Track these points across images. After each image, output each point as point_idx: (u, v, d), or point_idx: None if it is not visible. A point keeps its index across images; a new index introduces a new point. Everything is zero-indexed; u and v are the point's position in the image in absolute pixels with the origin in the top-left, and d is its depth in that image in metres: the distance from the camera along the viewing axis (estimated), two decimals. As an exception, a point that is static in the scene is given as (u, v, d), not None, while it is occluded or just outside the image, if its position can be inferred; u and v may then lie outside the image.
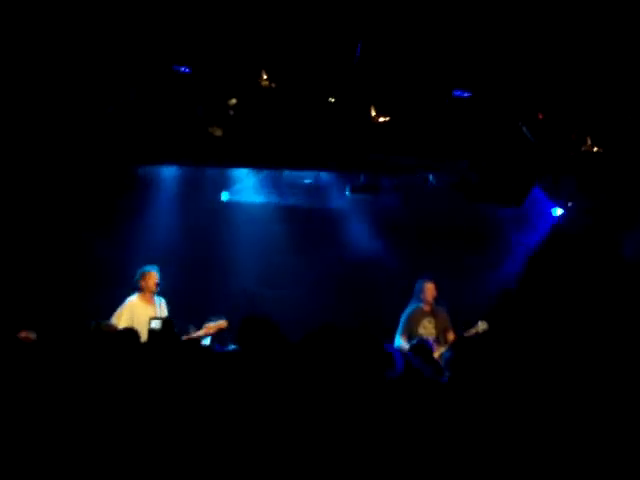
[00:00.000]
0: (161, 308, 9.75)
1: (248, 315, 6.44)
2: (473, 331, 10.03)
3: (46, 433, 5.58)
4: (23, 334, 8.14)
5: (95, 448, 5.53)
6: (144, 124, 10.71)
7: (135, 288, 9.85)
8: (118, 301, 9.82)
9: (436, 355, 8.61)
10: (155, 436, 5.59)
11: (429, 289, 10.28)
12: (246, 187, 12.12)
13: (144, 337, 7.77)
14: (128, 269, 10.45)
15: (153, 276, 9.77)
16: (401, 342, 10.03)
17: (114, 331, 7.60)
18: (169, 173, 11.80)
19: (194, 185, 11.98)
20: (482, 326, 10.03)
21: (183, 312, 9.85)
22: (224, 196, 12.12)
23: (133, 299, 9.77)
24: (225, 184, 12.16)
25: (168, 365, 6.64)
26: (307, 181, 12.35)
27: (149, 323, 8.75)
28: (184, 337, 9.03)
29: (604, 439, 6.02)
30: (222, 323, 9.24)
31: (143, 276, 9.80)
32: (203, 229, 12.08)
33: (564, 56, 10.03)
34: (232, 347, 8.66)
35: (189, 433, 5.59)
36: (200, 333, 9.19)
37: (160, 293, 9.87)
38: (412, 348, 7.77)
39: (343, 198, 12.12)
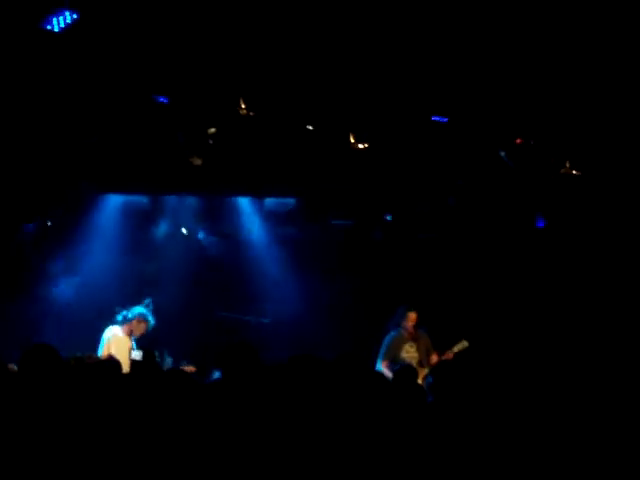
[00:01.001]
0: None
1: (231, 342, 6.40)
2: (454, 350, 10.10)
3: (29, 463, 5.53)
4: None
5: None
6: (122, 153, 10.75)
7: (117, 321, 9.78)
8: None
9: (420, 379, 8.59)
10: (139, 465, 5.56)
11: (411, 318, 10.31)
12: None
13: (127, 368, 7.74)
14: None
15: (146, 326, 9.73)
16: (382, 367, 10.02)
17: (95, 362, 7.55)
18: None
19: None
20: (462, 344, 10.10)
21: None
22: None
23: (116, 331, 9.70)
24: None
25: (151, 395, 6.60)
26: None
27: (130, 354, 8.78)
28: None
29: (586, 457, 6.05)
30: (190, 368, 9.20)
31: (138, 319, 9.75)
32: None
33: (541, 82, 10.09)
34: (216, 375, 8.64)
35: (175, 462, 5.55)
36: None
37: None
38: (396, 373, 7.74)
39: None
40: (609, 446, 6.12)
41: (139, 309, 9.75)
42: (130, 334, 9.66)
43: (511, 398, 6.77)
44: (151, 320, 9.76)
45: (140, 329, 9.70)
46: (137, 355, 8.63)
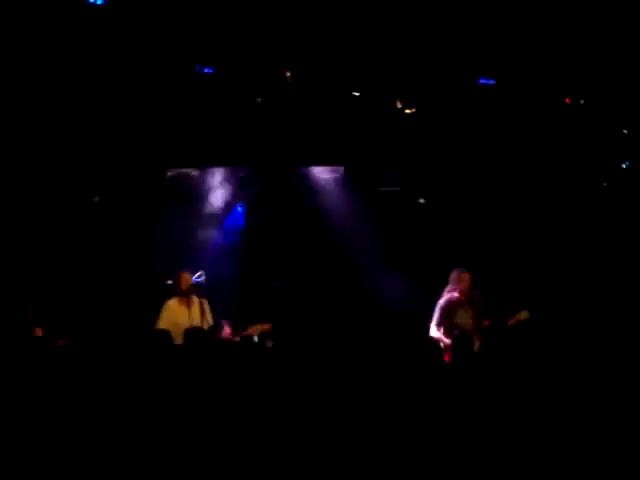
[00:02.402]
0: (203, 308, 9.71)
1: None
2: (514, 320, 9.86)
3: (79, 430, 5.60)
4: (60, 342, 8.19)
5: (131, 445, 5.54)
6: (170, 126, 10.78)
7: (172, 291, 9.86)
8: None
9: (476, 346, 8.48)
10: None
11: (464, 279, 10.13)
12: None
13: (180, 338, 7.78)
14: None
15: (184, 278, 9.77)
16: (437, 333, 9.91)
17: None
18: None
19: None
20: (523, 315, 9.86)
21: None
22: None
23: (170, 302, 9.77)
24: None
25: (207, 365, 6.63)
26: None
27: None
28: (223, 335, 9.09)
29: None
30: (266, 326, 9.31)
31: (176, 279, 9.82)
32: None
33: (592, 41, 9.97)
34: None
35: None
36: (244, 334, 9.22)
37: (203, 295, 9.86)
38: (454, 341, 7.71)
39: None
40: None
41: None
42: (184, 299, 9.71)
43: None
44: (183, 271, 9.79)
45: (182, 285, 9.72)
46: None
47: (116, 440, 5.54)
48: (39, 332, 8.96)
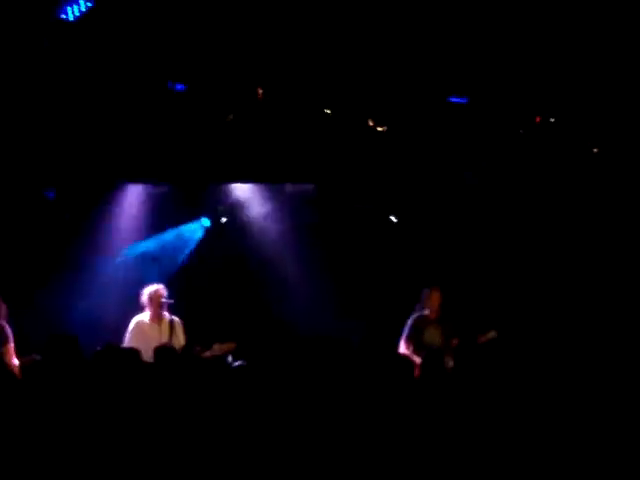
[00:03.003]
0: (173, 326, 9.53)
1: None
2: (484, 338, 9.90)
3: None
4: (28, 358, 8.10)
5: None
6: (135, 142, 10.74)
7: (143, 307, 9.65)
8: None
9: (446, 364, 8.50)
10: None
11: (435, 297, 10.17)
12: None
13: (150, 356, 7.68)
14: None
15: (157, 294, 9.57)
16: (406, 350, 9.93)
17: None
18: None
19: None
20: (492, 334, 9.91)
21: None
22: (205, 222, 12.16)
23: (140, 318, 9.58)
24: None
25: (174, 383, 6.59)
26: None
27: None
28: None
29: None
30: (231, 345, 9.12)
31: (147, 294, 9.60)
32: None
33: (560, 59, 10.05)
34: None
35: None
36: (208, 354, 9.06)
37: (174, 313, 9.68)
38: (425, 358, 7.72)
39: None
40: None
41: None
42: (156, 315, 9.53)
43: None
44: (157, 286, 9.61)
45: (155, 301, 9.57)
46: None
47: (84, 461, 5.50)
48: (10, 349, 8.84)
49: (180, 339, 9.45)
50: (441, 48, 10.07)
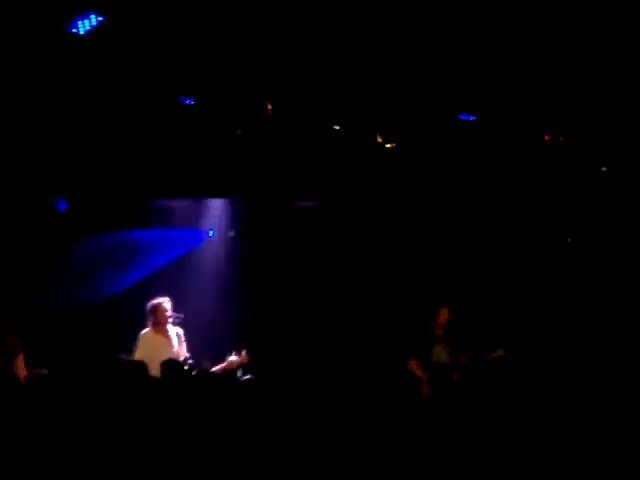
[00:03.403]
0: (178, 339, 9.54)
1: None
2: (490, 356, 9.86)
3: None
4: (35, 372, 8.07)
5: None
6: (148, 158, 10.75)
7: (147, 322, 9.63)
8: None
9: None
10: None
11: (443, 315, 10.14)
12: None
13: (158, 370, 7.65)
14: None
15: (162, 308, 9.56)
16: (412, 367, 9.88)
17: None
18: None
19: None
20: (499, 352, 9.87)
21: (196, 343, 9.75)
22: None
23: (147, 332, 9.56)
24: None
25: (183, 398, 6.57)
26: None
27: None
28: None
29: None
30: (244, 358, 9.13)
31: (153, 308, 9.59)
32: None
33: (570, 76, 10.04)
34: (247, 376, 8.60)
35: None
36: (219, 368, 9.05)
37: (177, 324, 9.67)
38: (433, 374, 7.71)
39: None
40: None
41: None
42: (162, 329, 9.52)
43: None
44: (162, 300, 9.57)
45: (161, 316, 9.58)
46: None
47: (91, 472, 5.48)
48: (21, 362, 8.80)
49: (184, 351, 9.45)
50: (450, 66, 10.07)
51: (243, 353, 9.20)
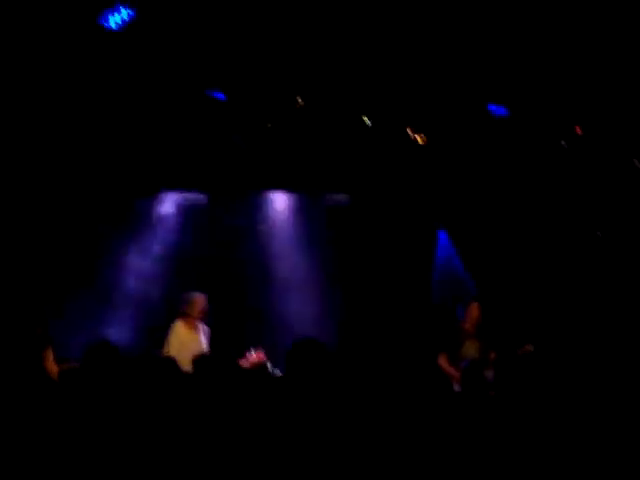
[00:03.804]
0: (206, 334, 9.59)
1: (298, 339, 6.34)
2: (521, 352, 9.81)
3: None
4: (66, 366, 8.12)
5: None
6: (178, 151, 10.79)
7: (179, 313, 9.66)
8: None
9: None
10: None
11: (473, 311, 10.10)
12: None
13: (189, 364, 7.67)
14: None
15: (199, 301, 9.59)
16: (444, 363, 9.86)
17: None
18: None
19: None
20: (529, 347, 9.83)
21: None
22: None
23: (179, 325, 9.60)
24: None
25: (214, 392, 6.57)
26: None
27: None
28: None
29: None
30: (261, 356, 9.12)
31: (189, 302, 9.61)
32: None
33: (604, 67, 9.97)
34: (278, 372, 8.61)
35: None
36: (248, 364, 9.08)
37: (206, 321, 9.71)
38: (464, 371, 7.66)
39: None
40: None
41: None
42: (193, 323, 9.54)
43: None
44: (199, 295, 9.60)
45: (196, 310, 9.58)
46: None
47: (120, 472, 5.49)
48: (50, 355, 8.86)
49: (209, 347, 9.50)
50: (480, 57, 10.02)
51: (260, 353, 9.20)
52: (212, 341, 9.67)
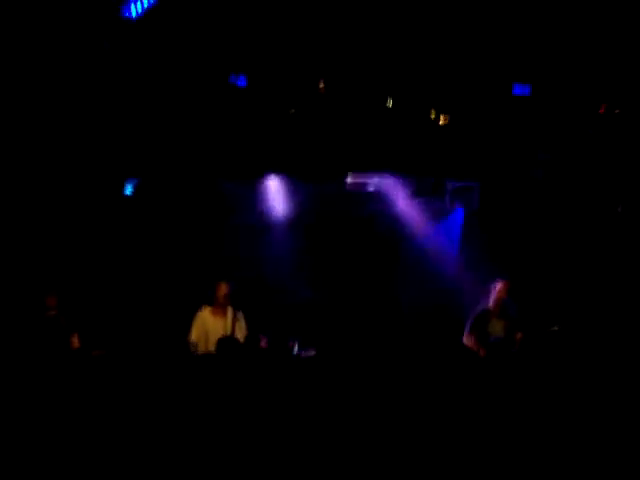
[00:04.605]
0: (237, 320, 9.71)
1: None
2: (546, 332, 9.80)
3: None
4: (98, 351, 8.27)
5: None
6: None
7: (207, 300, 9.88)
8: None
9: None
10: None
11: (500, 289, 10.10)
12: None
13: (213, 348, 7.79)
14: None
15: (222, 288, 9.79)
16: (469, 341, 9.87)
17: None
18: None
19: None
20: (554, 328, 9.80)
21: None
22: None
23: (204, 310, 9.79)
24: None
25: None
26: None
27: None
28: None
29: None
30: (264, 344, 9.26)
31: (214, 288, 9.83)
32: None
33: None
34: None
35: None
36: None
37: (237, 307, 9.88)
38: (489, 347, 7.70)
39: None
40: None
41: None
42: (219, 309, 9.70)
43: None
44: (222, 280, 9.78)
45: (219, 295, 9.72)
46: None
47: (144, 452, 5.57)
48: (76, 341, 9.04)
49: (243, 331, 9.59)
50: (503, 37, 10.00)
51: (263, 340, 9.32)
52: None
